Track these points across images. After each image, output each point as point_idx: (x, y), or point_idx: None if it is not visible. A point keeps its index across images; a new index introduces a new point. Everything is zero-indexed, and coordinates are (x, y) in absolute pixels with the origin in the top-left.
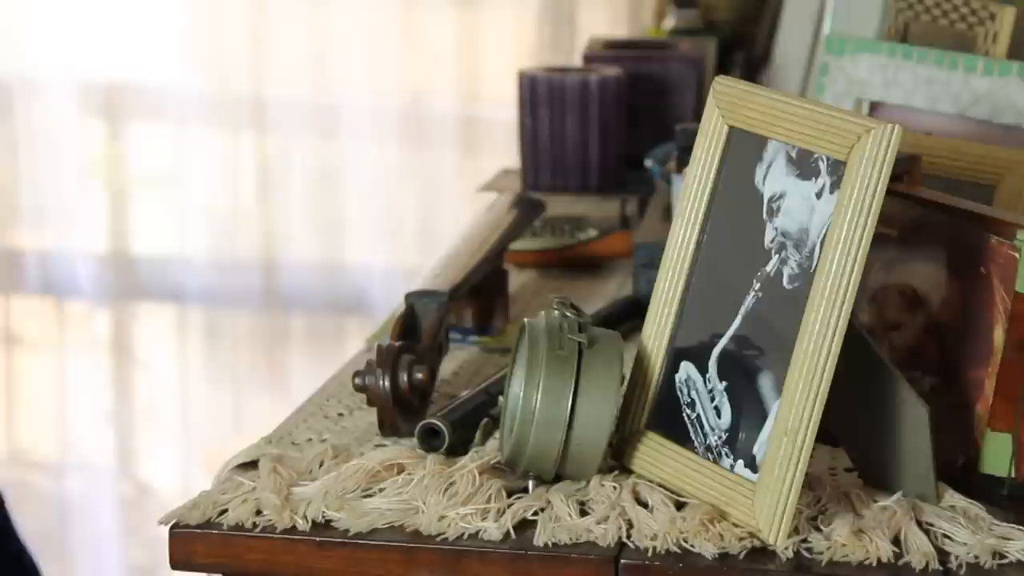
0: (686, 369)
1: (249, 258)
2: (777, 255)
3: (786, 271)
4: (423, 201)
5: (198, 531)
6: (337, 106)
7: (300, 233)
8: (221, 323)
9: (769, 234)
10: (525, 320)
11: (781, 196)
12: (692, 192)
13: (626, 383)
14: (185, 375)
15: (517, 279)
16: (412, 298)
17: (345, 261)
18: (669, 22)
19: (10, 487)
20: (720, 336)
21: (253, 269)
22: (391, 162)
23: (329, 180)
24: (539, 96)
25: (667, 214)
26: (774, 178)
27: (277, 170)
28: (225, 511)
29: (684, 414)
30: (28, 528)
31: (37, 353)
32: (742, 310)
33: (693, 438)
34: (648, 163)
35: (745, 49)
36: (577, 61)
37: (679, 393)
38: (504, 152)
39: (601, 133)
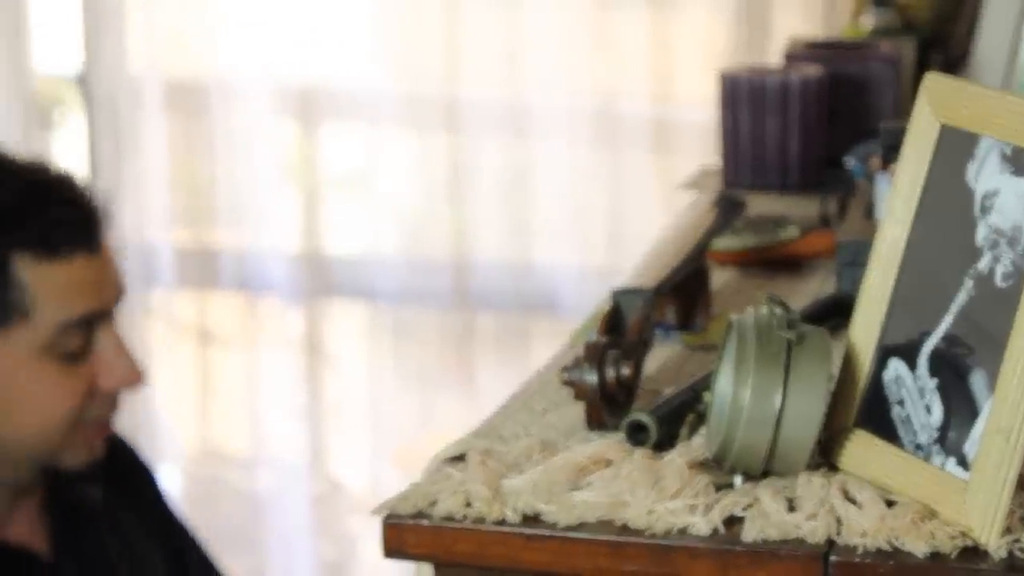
0: (895, 367)
1: (439, 258)
2: (990, 252)
3: (999, 269)
4: (613, 202)
5: (410, 522)
6: (529, 107)
7: (490, 233)
8: (411, 322)
9: (981, 231)
10: (733, 316)
11: (994, 194)
12: (902, 189)
13: (834, 380)
14: (375, 373)
15: (718, 277)
16: (618, 295)
17: (534, 262)
18: (866, 21)
19: (204, 482)
20: (930, 334)
21: (443, 269)
22: (582, 163)
23: (520, 181)
24: (740, 96)
25: (869, 212)
26: (987, 175)
27: (468, 171)
28: (435, 502)
29: (893, 412)
30: (221, 523)
31: (231, 349)
32: (953, 308)
33: (902, 436)
34: (849, 162)
35: (943, 49)
36: (769, 61)
37: (888, 391)
38: (695, 153)
39: (801, 132)
